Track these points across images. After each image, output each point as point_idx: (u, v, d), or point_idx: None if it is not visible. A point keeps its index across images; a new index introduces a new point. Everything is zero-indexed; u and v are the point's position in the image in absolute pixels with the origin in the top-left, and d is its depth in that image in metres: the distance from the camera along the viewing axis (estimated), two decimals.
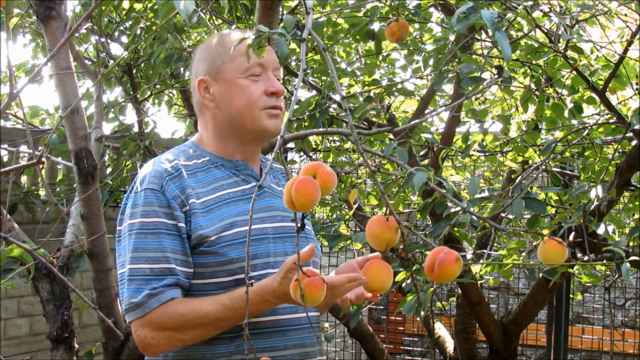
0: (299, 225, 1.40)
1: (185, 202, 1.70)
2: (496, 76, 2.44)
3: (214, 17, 3.29)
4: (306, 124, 2.90)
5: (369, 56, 3.53)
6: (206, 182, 1.76)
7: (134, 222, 1.70)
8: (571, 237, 2.37)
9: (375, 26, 2.90)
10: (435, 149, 3.20)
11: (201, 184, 1.75)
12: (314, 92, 3.07)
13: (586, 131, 2.61)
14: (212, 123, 1.81)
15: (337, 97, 2.69)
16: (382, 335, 5.78)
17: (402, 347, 6.12)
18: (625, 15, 2.78)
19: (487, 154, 3.40)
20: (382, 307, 6.52)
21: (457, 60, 2.55)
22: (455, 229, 2.77)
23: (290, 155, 4.09)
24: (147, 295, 1.64)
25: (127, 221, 1.72)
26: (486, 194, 2.23)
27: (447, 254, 1.37)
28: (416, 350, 5.93)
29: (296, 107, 2.82)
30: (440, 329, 4.21)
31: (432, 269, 1.38)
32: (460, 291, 3.58)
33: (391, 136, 3.05)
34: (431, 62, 2.83)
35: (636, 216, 3.26)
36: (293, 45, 3.07)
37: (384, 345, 4.10)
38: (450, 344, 4.03)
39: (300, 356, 1.77)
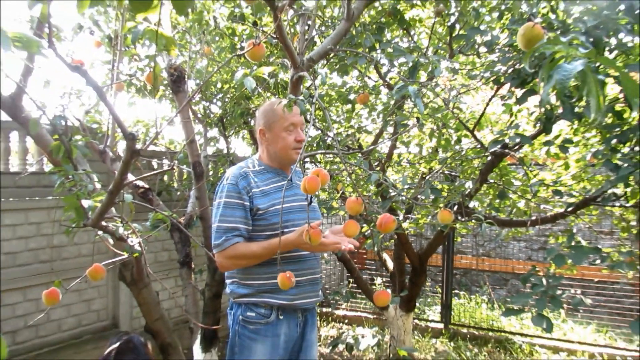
0: (308, 201, 1.40)
1: (249, 190, 1.65)
2: (416, 123, 2.43)
3: (265, 91, 3.29)
4: (314, 148, 2.89)
5: (348, 112, 3.52)
6: (262, 179, 1.71)
7: (220, 201, 1.66)
8: (455, 208, 2.36)
9: (352, 96, 2.90)
10: (383, 162, 3.19)
11: (260, 180, 1.70)
12: (319, 131, 3.06)
13: (463, 152, 2.60)
14: (265, 151, 1.77)
15: (331, 134, 2.69)
16: (355, 260, 5.75)
17: (365, 266, 6.10)
18: (490, 87, 2.77)
19: (411, 164, 3.39)
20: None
21: (395, 114, 2.55)
22: (394, 204, 2.76)
23: (306, 165, 4.08)
24: (223, 240, 1.60)
25: (217, 199, 1.68)
26: (409, 186, 2.22)
27: (388, 217, 1.35)
28: (372, 268, 5.91)
29: (309, 139, 2.82)
30: (386, 258, 4.20)
31: (380, 225, 1.37)
32: (396, 237, 3.57)
33: (360, 155, 3.04)
34: (381, 116, 2.82)
35: (491, 196, 3.24)
36: (308, 106, 3.06)
37: (357, 265, 4.08)
38: (390, 265, 4.02)
39: (311, 276, 1.72)
